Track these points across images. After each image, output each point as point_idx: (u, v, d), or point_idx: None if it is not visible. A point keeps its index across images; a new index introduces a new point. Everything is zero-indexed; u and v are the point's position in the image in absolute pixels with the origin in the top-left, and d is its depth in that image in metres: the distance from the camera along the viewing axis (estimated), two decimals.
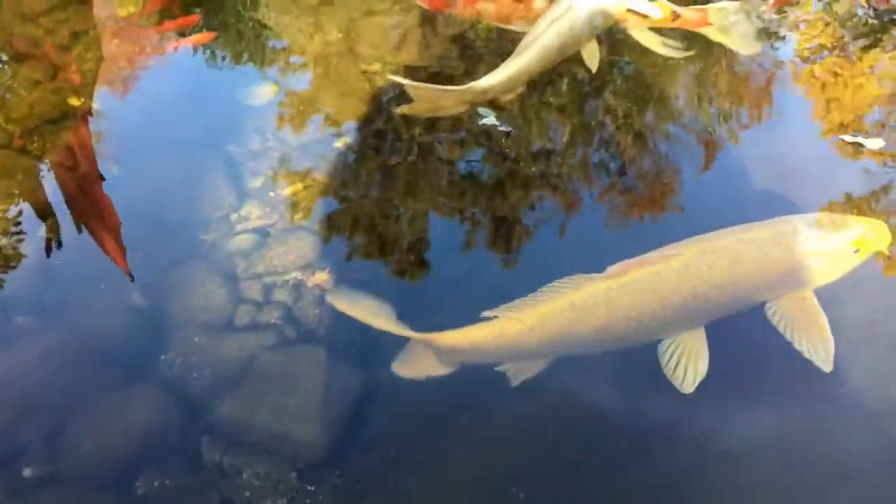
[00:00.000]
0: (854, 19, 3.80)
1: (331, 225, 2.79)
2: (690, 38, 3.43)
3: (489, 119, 3.01)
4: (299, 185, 2.90)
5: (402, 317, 2.48)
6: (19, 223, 2.81)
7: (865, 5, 3.88)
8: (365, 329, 2.47)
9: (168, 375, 2.36)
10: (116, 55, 3.63)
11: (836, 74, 3.45)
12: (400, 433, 2.25)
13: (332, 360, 2.41)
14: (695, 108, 3.30)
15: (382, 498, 2.13)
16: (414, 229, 2.78)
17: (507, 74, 2.80)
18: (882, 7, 3.82)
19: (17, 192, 2.93)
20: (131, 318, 2.54)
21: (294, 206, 2.84)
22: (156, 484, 2.13)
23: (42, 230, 2.78)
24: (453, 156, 3.00)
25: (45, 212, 2.84)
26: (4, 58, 3.60)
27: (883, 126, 3.09)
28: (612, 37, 3.43)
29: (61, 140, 3.08)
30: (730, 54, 3.49)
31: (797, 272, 2.30)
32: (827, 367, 2.16)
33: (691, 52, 3.20)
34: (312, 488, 2.13)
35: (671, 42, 3.12)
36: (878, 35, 3.67)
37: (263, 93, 3.29)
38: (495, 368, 2.31)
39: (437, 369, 2.33)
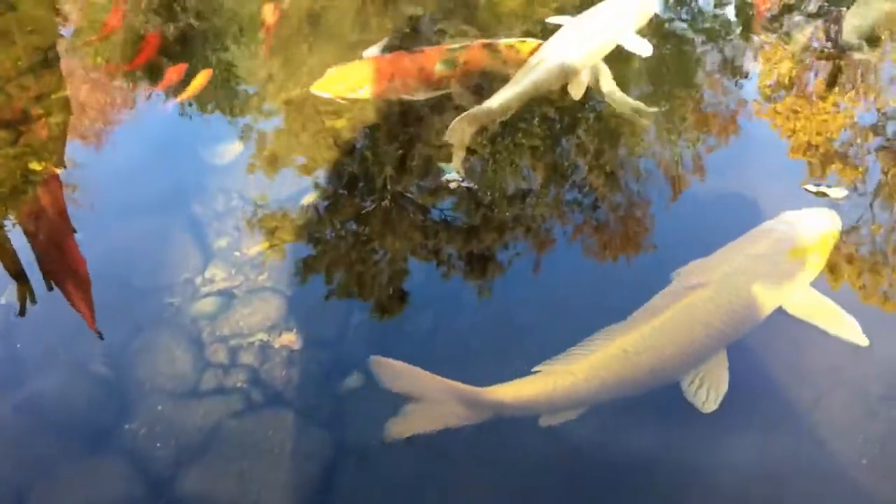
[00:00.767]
0: (810, 51, 3.90)
1: (297, 284, 2.78)
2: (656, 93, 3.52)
3: (452, 175, 3.04)
4: (265, 245, 2.89)
5: (372, 376, 2.47)
6: None
7: (822, 37, 4.01)
8: (333, 390, 2.45)
9: (132, 446, 2.31)
10: (86, 110, 3.63)
11: (795, 112, 3.53)
12: (371, 499, 2.21)
13: (300, 423, 2.39)
14: (664, 146, 3.35)
15: None
16: (382, 286, 2.77)
17: (503, 99, 3.29)
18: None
19: None
20: (94, 386, 2.50)
21: (259, 266, 2.83)
22: None
23: (4, 295, 2.74)
24: (423, 209, 3.01)
25: (14, 272, 2.81)
26: None
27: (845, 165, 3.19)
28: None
29: (30, 200, 3.05)
30: (698, 96, 3.61)
31: (798, 271, 2.50)
32: (864, 341, 2.37)
33: (657, 109, 3.36)
34: None
35: (638, 104, 3.35)
36: (837, 68, 3.78)
37: (228, 151, 3.29)
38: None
39: (456, 421, 2.29)
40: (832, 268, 2.69)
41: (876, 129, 3.43)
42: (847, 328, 2.41)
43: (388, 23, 4.17)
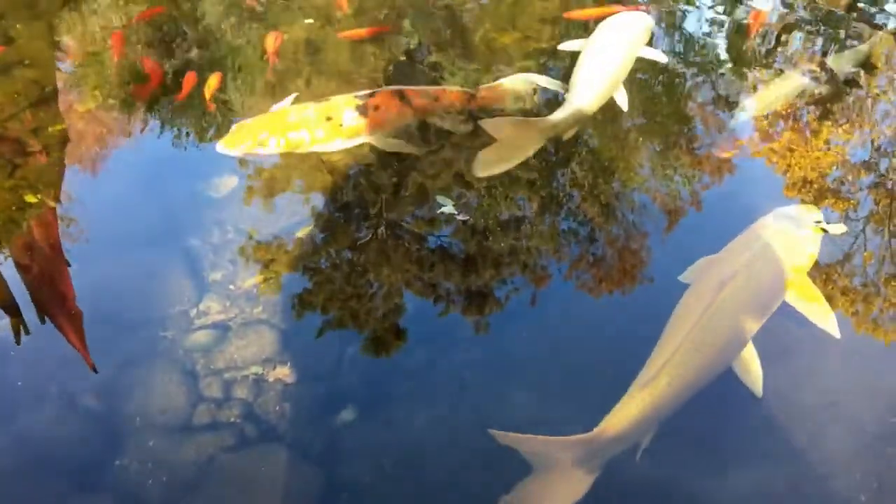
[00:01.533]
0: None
1: (291, 317, 2.77)
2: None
3: (447, 208, 3.05)
4: (259, 277, 2.89)
5: (366, 410, 2.47)
6: None
7: (817, 69, 4.06)
8: (327, 424, 2.44)
9: (123, 483, 2.28)
10: (84, 142, 3.64)
11: (791, 150, 3.56)
12: None
13: (294, 458, 2.37)
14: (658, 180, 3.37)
15: None
16: (377, 319, 2.77)
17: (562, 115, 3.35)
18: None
19: None
20: (84, 421, 2.47)
21: (254, 298, 2.82)
22: None
23: None
24: (419, 241, 3.02)
25: (6, 304, 2.79)
26: None
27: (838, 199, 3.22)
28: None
29: (25, 233, 3.05)
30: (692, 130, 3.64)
31: (800, 259, 2.75)
32: (837, 334, 2.56)
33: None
34: None
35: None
36: (830, 104, 3.82)
37: (224, 184, 3.29)
38: None
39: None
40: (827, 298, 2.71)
41: (868, 165, 3.47)
42: (830, 321, 2.58)
43: (386, 53, 4.22)
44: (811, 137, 3.64)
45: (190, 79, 3.89)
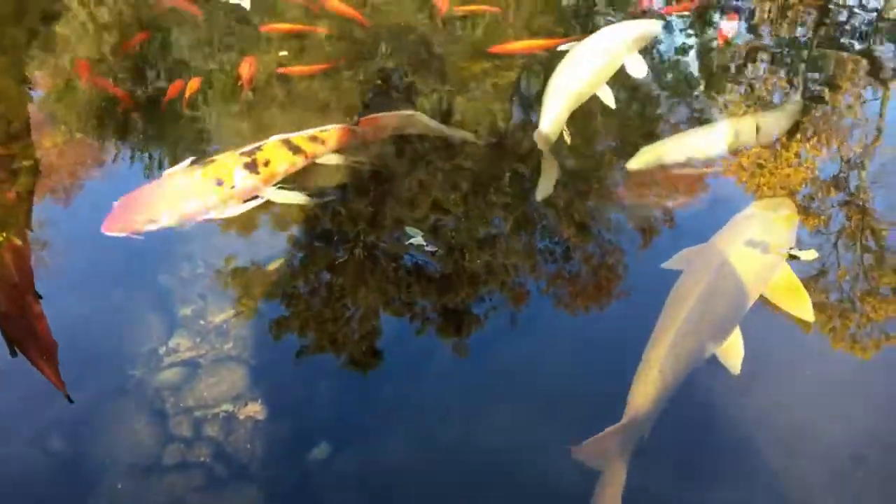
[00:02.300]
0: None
1: (263, 352, 2.74)
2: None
3: (417, 239, 3.04)
4: (230, 312, 2.86)
5: (339, 446, 2.44)
6: None
7: (787, 86, 4.08)
8: (298, 462, 2.41)
9: None
10: (54, 176, 3.60)
11: (760, 166, 3.58)
12: None
13: (266, 497, 2.33)
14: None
15: None
16: (349, 354, 2.74)
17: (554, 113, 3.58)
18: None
19: None
20: (50, 462, 2.42)
21: (225, 334, 2.79)
22: None
23: None
24: (392, 276, 3.00)
25: None
26: None
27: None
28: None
29: None
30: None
31: (781, 245, 2.90)
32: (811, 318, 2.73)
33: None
34: None
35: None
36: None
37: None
38: None
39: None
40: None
41: (838, 182, 3.50)
42: (807, 308, 2.73)
43: (360, 75, 4.21)
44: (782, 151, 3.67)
45: (177, 86, 3.96)
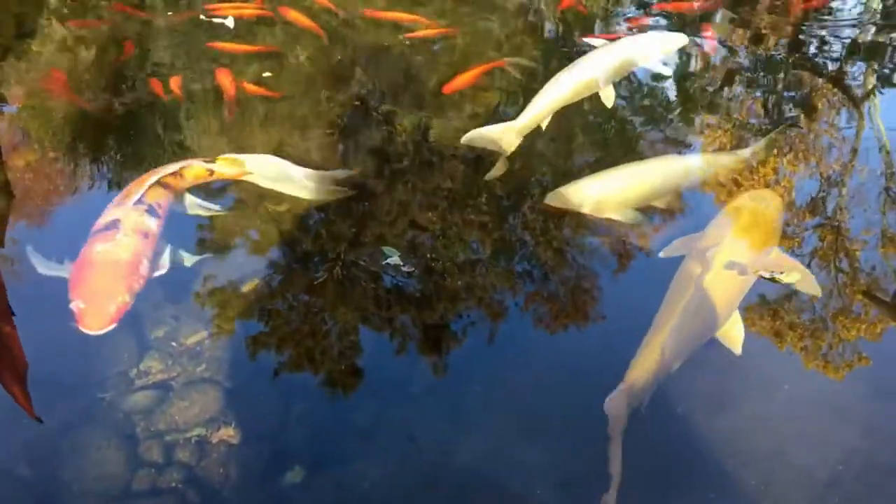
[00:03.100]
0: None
1: (236, 374, 2.70)
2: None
3: (394, 259, 3.02)
4: (203, 334, 2.81)
5: (314, 470, 2.40)
6: None
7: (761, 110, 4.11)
8: (272, 487, 2.37)
9: None
10: (27, 197, 3.55)
11: (738, 184, 3.59)
12: None
13: None
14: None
15: None
16: (325, 375, 2.71)
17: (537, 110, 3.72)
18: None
19: None
20: (16, 489, 2.36)
21: (197, 356, 2.74)
22: None
23: None
24: (368, 296, 2.97)
25: None
26: None
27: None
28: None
29: None
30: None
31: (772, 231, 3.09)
32: (817, 292, 2.90)
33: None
34: None
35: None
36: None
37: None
38: None
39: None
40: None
41: (815, 205, 3.53)
42: (808, 282, 2.90)
43: (339, 96, 4.20)
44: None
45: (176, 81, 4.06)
